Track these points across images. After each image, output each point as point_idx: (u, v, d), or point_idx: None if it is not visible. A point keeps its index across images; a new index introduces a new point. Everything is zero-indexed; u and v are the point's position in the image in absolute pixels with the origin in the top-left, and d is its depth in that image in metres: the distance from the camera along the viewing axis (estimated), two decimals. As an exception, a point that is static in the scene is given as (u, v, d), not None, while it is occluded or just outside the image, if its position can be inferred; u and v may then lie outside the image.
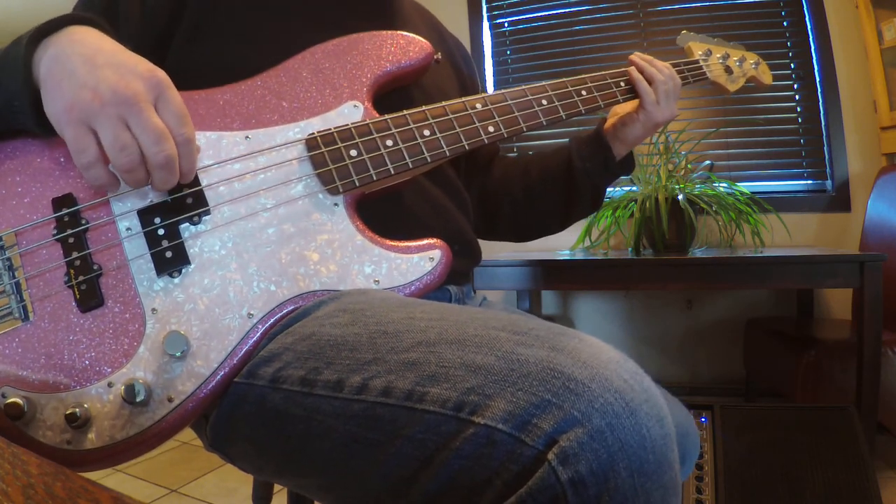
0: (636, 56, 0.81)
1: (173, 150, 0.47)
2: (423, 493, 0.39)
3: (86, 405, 0.45)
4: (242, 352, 0.49)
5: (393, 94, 0.66)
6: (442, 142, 0.61)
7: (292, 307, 0.52)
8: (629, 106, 0.80)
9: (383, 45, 0.64)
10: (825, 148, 2.12)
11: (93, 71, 0.46)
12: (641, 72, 0.79)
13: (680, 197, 1.82)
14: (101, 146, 0.46)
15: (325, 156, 0.57)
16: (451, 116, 0.63)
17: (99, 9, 0.62)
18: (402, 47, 0.64)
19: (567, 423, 0.34)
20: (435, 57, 0.66)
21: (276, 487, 1.30)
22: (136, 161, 0.46)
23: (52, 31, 0.49)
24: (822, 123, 2.11)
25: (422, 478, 0.39)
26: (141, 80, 0.47)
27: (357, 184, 0.56)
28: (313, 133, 0.57)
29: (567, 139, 0.87)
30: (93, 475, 0.33)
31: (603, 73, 0.78)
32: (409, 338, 0.43)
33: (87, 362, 0.46)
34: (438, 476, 0.38)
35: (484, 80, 2.49)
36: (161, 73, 0.48)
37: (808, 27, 2.13)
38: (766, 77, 0.95)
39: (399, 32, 0.65)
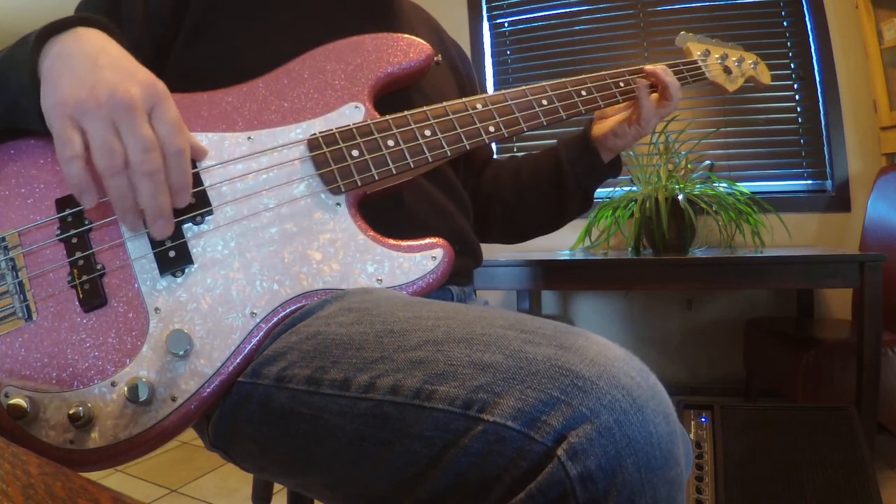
0: (661, 70, 0.78)
1: (159, 161, 0.46)
2: (430, 491, 0.39)
3: (89, 404, 0.45)
4: (246, 350, 0.49)
5: (393, 96, 0.66)
6: (443, 142, 0.61)
7: (295, 306, 0.52)
8: (620, 116, 0.80)
9: (384, 47, 0.64)
10: (825, 148, 2.12)
11: (93, 70, 0.46)
12: (664, 88, 0.77)
13: (680, 197, 1.82)
14: (86, 147, 0.45)
15: (326, 156, 0.57)
16: (451, 117, 0.63)
17: (101, 10, 0.62)
18: (403, 49, 0.64)
19: (576, 419, 0.35)
20: (435, 59, 0.67)
21: (276, 487, 1.30)
22: (119, 166, 0.45)
23: (59, 31, 0.49)
24: (822, 123, 2.12)
25: (430, 476, 0.39)
26: (139, 87, 0.46)
27: (359, 183, 0.57)
28: (315, 133, 0.57)
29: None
30: (93, 475, 0.33)
31: (602, 73, 0.77)
32: (416, 336, 0.43)
33: (90, 361, 0.46)
34: (447, 474, 0.38)
35: (484, 81, 2.49)
36: (160, 85, 0.48)
37: (808, 27, 2.13)
38: (765, 77, 0.95)
39: (400, 35, 0.66)
